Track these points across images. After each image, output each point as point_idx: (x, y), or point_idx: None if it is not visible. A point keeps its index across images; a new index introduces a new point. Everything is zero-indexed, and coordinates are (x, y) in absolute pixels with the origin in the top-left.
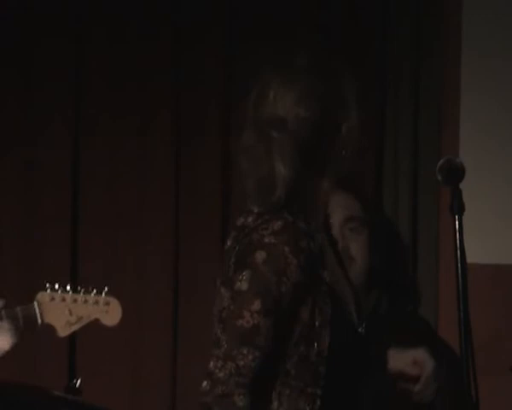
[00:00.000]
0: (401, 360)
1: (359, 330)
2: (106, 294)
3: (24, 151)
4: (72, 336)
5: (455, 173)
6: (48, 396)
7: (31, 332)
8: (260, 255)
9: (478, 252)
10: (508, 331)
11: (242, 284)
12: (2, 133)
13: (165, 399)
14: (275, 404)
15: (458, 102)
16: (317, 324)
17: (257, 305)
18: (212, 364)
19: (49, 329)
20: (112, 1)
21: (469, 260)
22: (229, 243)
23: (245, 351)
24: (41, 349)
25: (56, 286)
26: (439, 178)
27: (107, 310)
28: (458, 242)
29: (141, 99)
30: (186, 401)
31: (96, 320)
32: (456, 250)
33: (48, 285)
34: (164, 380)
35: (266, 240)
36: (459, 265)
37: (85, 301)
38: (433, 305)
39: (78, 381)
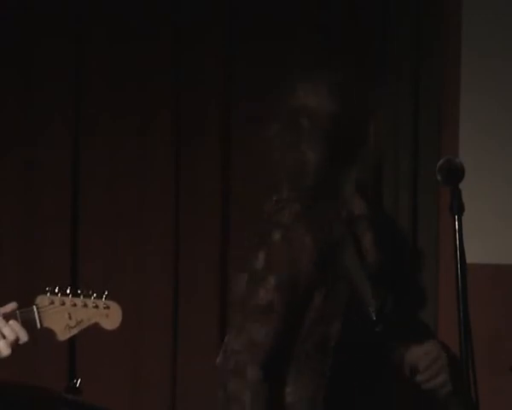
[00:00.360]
0: (414, 353)
1: (376, 329)
2: (106, 297)
3: (24, 151)
4: (73, 336)
5: (454, 173)
6: (48, 396)
7: (30, 336)
8: (276, 235)
9: (478, 252)
10: (508, 331)
11: (258, 263)
12: (2, 133)
13: (165, 399)
14: (290, 387)
15: (458, 102)
16: (328, 311)
17: (271, 281)
18: (226, 338)
19: (49, 333)
20: (112, 1)
21: (469, 260)
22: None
23: (259, 326)
24: (41, 350)
25: (56, 290)
26: (439, 178)
27: (107, 314)
28: (458, 242)
29: (141, 99)
30: (186, 401)
31: (96, 324)
32: (456, 250)
33: (47, 289)
34: (164, 380)
35: (283, 221)
36: (459, 265)
37: (85, 305)
38: (433, 305)
39: (78, 381)
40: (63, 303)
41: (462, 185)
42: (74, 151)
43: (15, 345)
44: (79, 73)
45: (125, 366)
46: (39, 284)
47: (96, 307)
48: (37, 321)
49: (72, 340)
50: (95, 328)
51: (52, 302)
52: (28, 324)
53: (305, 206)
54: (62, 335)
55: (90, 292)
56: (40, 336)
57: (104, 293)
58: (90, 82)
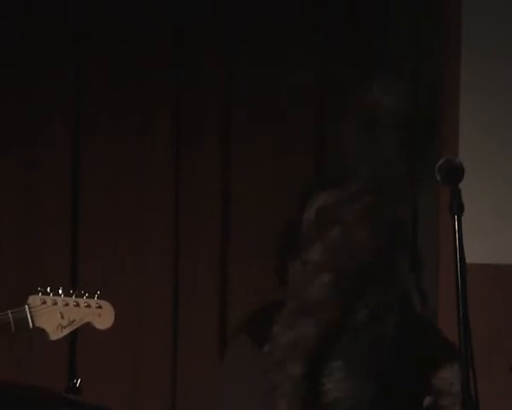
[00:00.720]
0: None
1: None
2: (98, 297)
3: (24, 151)
4: (73, 337)
5: (454, 173)
6: (48, 396)
7: (22, 336)
8: (336, 231)
9: (478, 252)
10: (508, 331)
11: (313, 256)
12: (2, 133)
13: (165, 399)
14: (333, 385)
15: (458, 102)
16: (382, 309)
17: (327, 278)
18: (274, 328)
19: (41, 332)
20: (112, 1)
21: (469, 260)
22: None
23: (308, 322)
24: (41, 350)
25: (48, 289)
26: (439, 178)
27: (99, 313)
28: (458, 242)
29: (141, 99)
30: (186, 401)
31: (88, 324)
32: (456, 250)
33: (39, 289)
34: (164, 380)
35: (346, 216)
36: (459, 265)
37: (77, 305)
38: (433, 305)
39: (79, 381)
40: (55, 303)
41: (462, 185)
42: (74, 151)
43: None
44: (79, 73)
45: (124, 366)
46: (39, 284)
47: (89, 306)
48: (30, 321)
49: (72, 340)
50: (94, 329)
51: (44, 302)
52: (20, 323)
53: (368, 202)
54: (54, 334)
55: (83, 292)
56: (37, 336)
57: (96, 292)
58: (90, 82)
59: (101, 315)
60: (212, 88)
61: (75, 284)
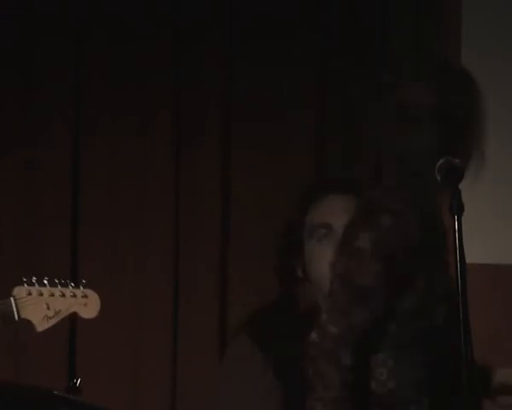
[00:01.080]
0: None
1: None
2: (84, 286)
3: (24, 151)
4: (73, 336)
5: (454, 173)
6: (48, 396)
7: (8, 328)
8: (386, 220)
9: (478, 252)
10: (508, 331)
11: (364, 243)
12: (2, 133)
13: (165, 399)
14: (382, 370)
15: None
16: (431, 298)
17: (378, 267)
18: (324, 317)
19: (27, 324)
20: (112, 1)
21: (469, 260)
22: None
23: (360, 310)
24: (41, 349)
25: (33, 280)
26: (439, 178)
27: (85, 303)
28: (458, 242)
29: (141, 99)
30: (186, 400)
31: (75, 314)
32: (456, 250)
33: (24, 279)
34: (164, 380)
35: (393, 206)
36: (459, 265)
37: (63, 295)
38: None
39: (78, 381)
40: (41, 294)
41: (462, 185)
42: (74, 151)
43: None
44: (79, 73)
45: (124, 366)
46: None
47: (74, 296)
48: (15, 313)
49: (72, 340)
50: (94, 323)
51: (30, 293)
52: (6, 316)
53: (414, 194)
54: (40, 325)
55: (68, 281)
56: (21, 328)
57: (82, 282)
58: (90, 82)
59: (87, 305)
60: (212, 88)
61: (75, 284)
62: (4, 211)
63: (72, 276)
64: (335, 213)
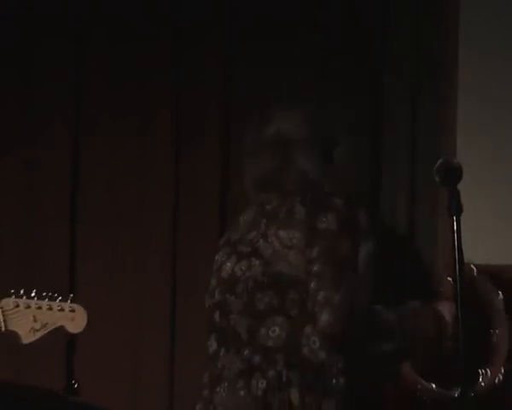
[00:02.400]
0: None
1: None
2: (71, 300)
3: (24, 151)
4: (72, 336)
5: (452, 174)
6: (48, 396)
7: None
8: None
9: (478, 252)
10: None
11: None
12: (2, 133)
13: (163, 398)
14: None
15: (457, 102)
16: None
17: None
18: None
19: (13, 335)
20: (112, 1)
21: (469, 260)
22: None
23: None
24: (40, 350)
25: (21, 292)
26: (437, 179)
27: (72, 317)
28: (457, 242)
29: (141, 99)
30: (183, 401)
31: (61, 327)
32: (455, 251)
33: (12, 291)
34: (162, 380)
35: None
36: (457, 265)
37: (50, 308)
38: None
39: (76, 384)
40: (28, 306)
41: (461, 185)
42: (74, 151)
43: None
44: (79, 73)
45: (124, 366)
46: (39, 283)
47: (62, 310)
48: (2, 324)
49: (71, 340)
50: (94, 325)
51: (17, 305)
52: None
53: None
54: (27, 338)
55: (56, 295)
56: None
57: (70, 296)
58: (90, 82)
59: (74, 319)
60: (212, 88)
61: (75, 284)
62: (4, 211)
63: (72, 276)
64: None
